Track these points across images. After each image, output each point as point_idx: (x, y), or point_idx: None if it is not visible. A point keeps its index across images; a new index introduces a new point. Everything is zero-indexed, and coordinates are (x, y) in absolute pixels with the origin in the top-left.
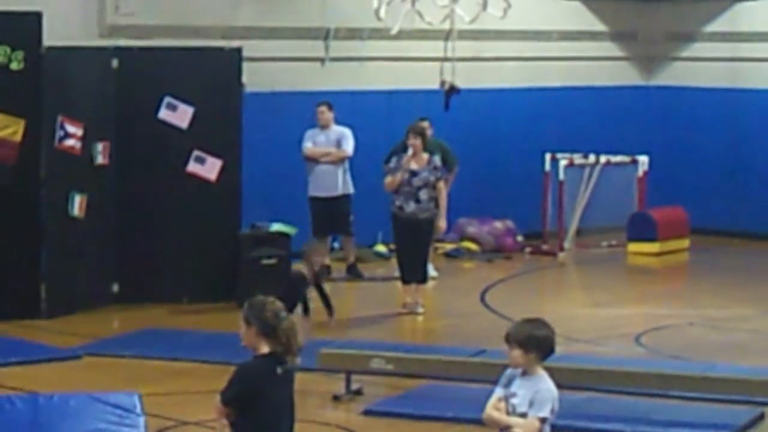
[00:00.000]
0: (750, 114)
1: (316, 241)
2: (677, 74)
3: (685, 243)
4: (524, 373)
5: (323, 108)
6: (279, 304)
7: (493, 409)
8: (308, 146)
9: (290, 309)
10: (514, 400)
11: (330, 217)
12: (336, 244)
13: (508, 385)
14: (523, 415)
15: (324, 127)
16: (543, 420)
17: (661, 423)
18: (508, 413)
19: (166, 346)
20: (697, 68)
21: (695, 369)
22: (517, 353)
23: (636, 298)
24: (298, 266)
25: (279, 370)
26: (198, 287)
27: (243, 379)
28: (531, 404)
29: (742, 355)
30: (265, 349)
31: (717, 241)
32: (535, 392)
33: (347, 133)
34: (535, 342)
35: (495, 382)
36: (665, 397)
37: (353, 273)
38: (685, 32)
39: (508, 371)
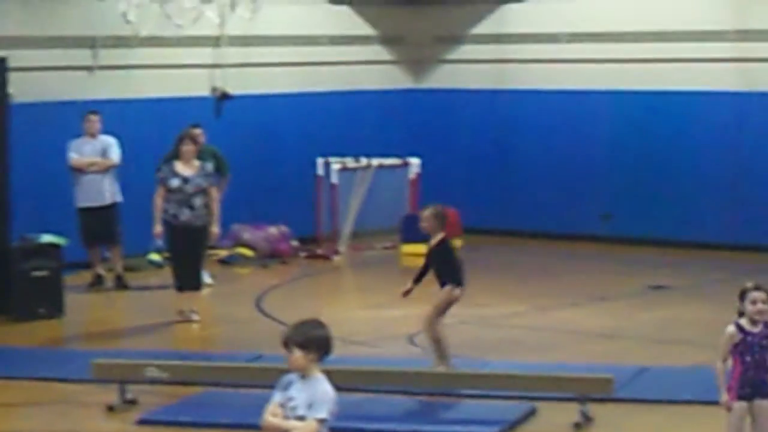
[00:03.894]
0: (516, 114)
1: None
2: (445, 77)
3: (458, 243)
4: (303, 377)
5: (94, 117)
6: None
7: (270, 415)
8: (74, 156)
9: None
10: (292, 404)
11: (98, 227)
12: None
13: (286, 389)
14: (302, 418)
15: (92, 135)
16: (321, 421)
17: (436, 421)
18: (287, 417)
19: None
20: (465, 70)
21: (469, 366)
22: (297, 356)
23: (410, 298)
24: None
25: None
26: None
27: None
28: (309, 406)
29: (514, 351)
30: None
31: (488, 240)
32: (313, 394)
33: (112, 141)
34: (315, 342)
35: (273, 387)
36: (440, 395)
37: (119, 283)
38: (452, 35)
39: (286, 376)
